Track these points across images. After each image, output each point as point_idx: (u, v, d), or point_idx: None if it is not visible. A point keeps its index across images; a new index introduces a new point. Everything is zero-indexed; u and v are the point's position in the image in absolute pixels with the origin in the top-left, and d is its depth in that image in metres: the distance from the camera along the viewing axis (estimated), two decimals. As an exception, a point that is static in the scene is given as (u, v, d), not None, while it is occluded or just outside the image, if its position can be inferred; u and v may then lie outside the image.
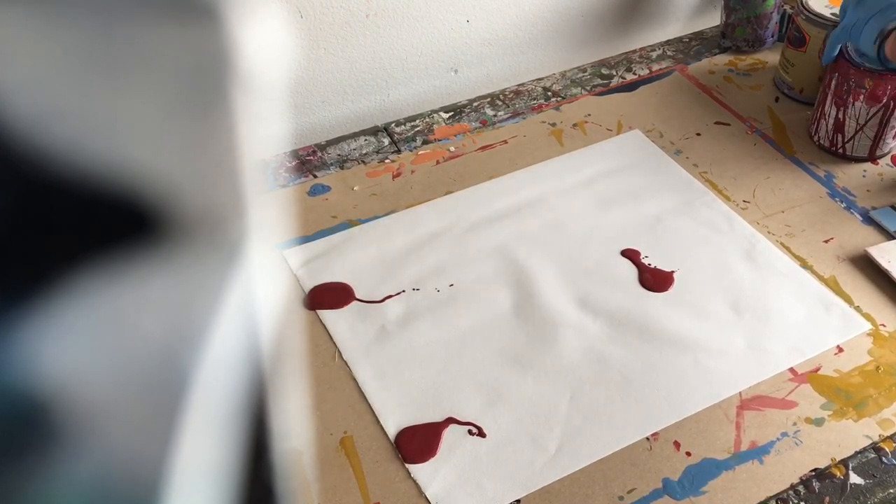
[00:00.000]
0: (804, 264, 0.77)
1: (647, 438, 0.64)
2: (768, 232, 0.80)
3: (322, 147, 0.90)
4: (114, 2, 0.13)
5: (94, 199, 0.14)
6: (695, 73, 1.00)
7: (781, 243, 0.79)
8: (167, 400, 0.15)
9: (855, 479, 0.62)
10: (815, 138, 0.90)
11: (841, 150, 0.88)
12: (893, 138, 0.88)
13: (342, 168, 0.88)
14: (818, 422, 0.65)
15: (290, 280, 0.76)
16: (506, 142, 0.90)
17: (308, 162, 0.88)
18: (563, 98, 0.97)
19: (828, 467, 0.63)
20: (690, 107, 0.95)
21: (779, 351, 0.70)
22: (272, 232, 0.17)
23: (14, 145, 0.13)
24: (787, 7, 1.03)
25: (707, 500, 0.60)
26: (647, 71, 1.01)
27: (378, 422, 0.65)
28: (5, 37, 0.13)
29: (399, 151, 0.90)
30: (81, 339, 0.14)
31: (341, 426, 0.65)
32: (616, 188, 0.85)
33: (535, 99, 0.97)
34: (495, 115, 0.94)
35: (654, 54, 1.03)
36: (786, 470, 0.62)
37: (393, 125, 0.93)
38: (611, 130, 0.92)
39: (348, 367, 0.69)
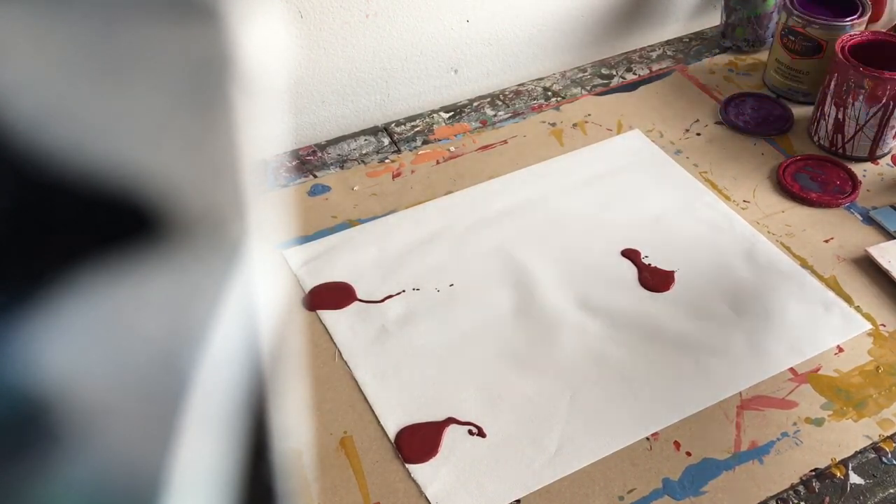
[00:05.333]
0: (804, 264, 0.77)
1: (647, 438, 0.64)
2: (768, 232, 0.80)
3: (322, 147, 0.90)
4: (114, 2, 0.13)
5: (94, 199, 0.14)
6: (695, 73, 1.00)
7: (781, 243, 0.79)
8: (167, 400, 0.15)
9: (855, 479, 0.62)
10: (815, 138, 0.90)
11: (841, 151, 0.88)
12: (893, 138, 0.88)
13: (342, 168, 0.88)
14: (818, 422, 0.65)
15: (290, 280, 0.76)
16: (506, 142, 0.90)
17: (308, 162, 0.88)
18: (563, 98, 0.97)
19: (828, 467, 0.63)
20: (691, 107, 0.95)
21: (779, 351, 0.70)
22: (272, 232, 0.17)
23: (14, 145, 0.13)
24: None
25: (707, 500, 0.60)
26: (648, 71, 1.01)
27: (378, 422, 0.65)
28: (5, 37, 0.13)
29: (399, 151, 0.90)
30: (81, 339, 0.14)
31: (341, 426, 0.65)
32: (616, 188, 0.85)
33: (535, 99, 0.97)
34: (495, 115, 0.94)
35: (654, 54, 1.03)
36: (786, 470, 0.62)
37: (393, 125, 0.93)
38: (611, 130, 0.92)
39: (348, 367, 0.69)
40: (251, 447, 0.18)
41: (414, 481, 0.61)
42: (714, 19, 1.13)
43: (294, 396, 0.20)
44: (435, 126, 0.93)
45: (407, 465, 0.62)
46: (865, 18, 0.91)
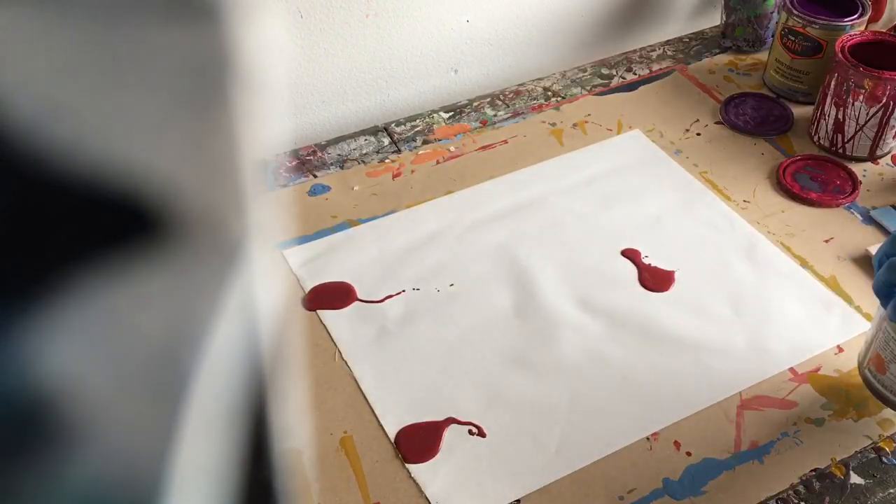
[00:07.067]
0: (804, 264, 0.77)
1: (648, 438, 0.64)
2: (768, 232, 0.80)
3: (322, 147, 0.90)
4: (114, 2, 0.13)
5: (94, 199, 0.14)
6: (695, 72, 1.00)
7: (781, 243, 0.79)
8: (167, 400, 0.15)
9: (855, 478, 0.62)
10: (815, 138, 0.90)
11: (841, 150, 0.88)
12: (893, 138, 0.88)
13: (342, 168, 0.88)
14: (818, 422, 0.65)
15: (290, 280, 0.76)
16: (506, 142, 0.90)
17: (308, 162, 0.88)
18: (563, 98, 0.97)
19: (828, 467, 0.63)
20: (691, 106, 0.95)
21: (779, 351, 0.70)
22: (272, 232, 0.17)
23: (14, 145, 0.13)
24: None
25: (707, 500, 0.60)
26: (648, 71, 1.01)
27: (378, 421, 0.65)
28: (5, 37, 0.13)
29: (399, 151, 0.90)
30: (81, 338, 0.14)
31: (341, 426, 0.65)
32: (616, 188, 0.85)
33: (535, 99, 0.97)
34: (495, 115, 0.94)
35: (654, 54, 1.03)
36: (786, 470, 0.62)
37: (393, 125, 0.93)
38: (611, 130, 0.92)
39: (348, 366, 0.69)
40: (251, 447, 0.18)
41: (414, 481, 0.61)
42: (714, 19, 1.13)
43: (294, 396, 0.20)
44: (435, 126, 0.93)
45: (407, 465, 0.62)
46: (865, 18, 0.91)
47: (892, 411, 0.65)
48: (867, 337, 0.66)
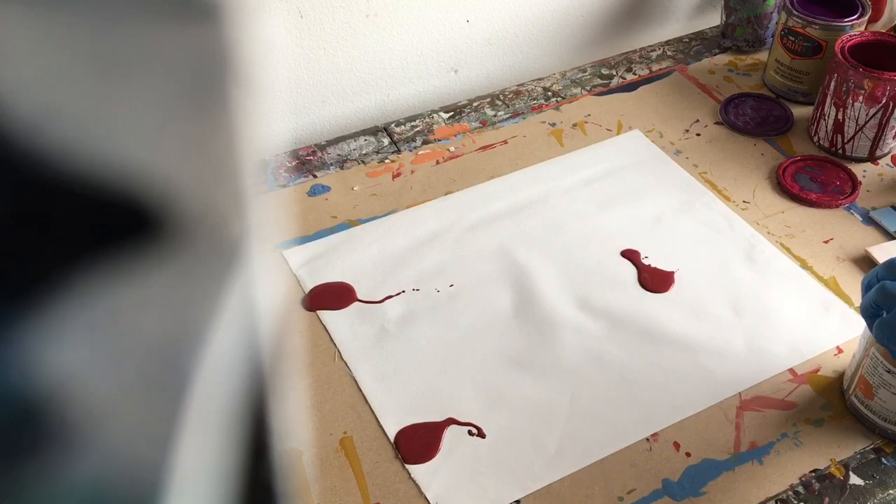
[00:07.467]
0: (804, 265, 0.77)
1: (647, 439, 0.64)
2: (768, 232, 0.80)
3: (322, 147, 0.90)
4: (114, 2, 0.13)
5: (94, 199, 0.14)
6: (695, 72, 1.00)
7: (781, 244, 0.79)
8: (167, 400, 0.15)
9: (855, 479, 0.62)
10: (815, 139, 0.90)
11: (841, 151, 0.88)
12: (893, 138, 0.88)
13: (342, 168, 0.88)
14: (818, 422, 0.65)
15: (290, 280, 0.76)
16: (506, 142, 0.90)
17: (308, 162, 0.88)
18: (563, 98, 0.97)
19: (827, 468, 0.63)
20: (691, 107, 0.95)
21: (779, 351, 0.70)
22: (272, 232, 0.17)
23: (14, 145, 0.13)
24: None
25: (707, 501, 0.60)
26: (647, 71, 1.01)
27: (378, 422, 0.65)
28: (5, 36, 0.13)
29: (399, 151, 0.90)
30: (81, 339, 0.14)
31: (341, 426, 0.65)
32: (616, 188, 0.85)
33: (535, 99, 0.97)
34: (495, 115, 0.94)
35: (654, 54, 1.03)
36: (785, 470, 0.62)
37: (393, 125, 0.93)
38: (611, 130, 0.92)
39: (348, 367, 0.69)
40: (251, 447, 0.18)
41: (414, 481, 0.61)
42: (714, 19, 1.13)
43: (294, 396, 0.20)
44: (435, 126, 0.93)
45: (407, 466, 0.62)
46: (865, 18, 0.91)
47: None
48: (851, 364, 0.65)
